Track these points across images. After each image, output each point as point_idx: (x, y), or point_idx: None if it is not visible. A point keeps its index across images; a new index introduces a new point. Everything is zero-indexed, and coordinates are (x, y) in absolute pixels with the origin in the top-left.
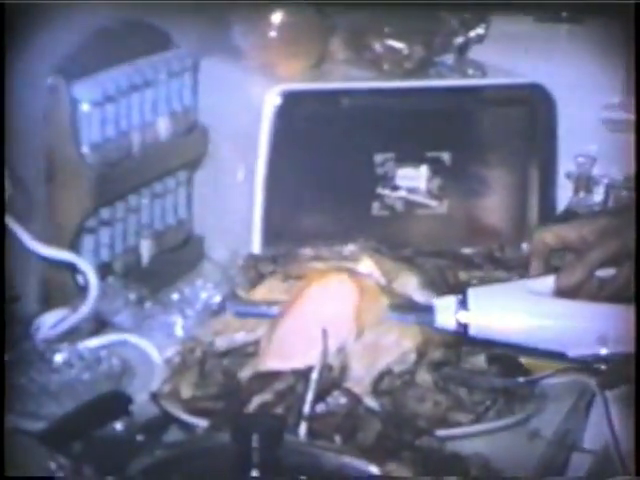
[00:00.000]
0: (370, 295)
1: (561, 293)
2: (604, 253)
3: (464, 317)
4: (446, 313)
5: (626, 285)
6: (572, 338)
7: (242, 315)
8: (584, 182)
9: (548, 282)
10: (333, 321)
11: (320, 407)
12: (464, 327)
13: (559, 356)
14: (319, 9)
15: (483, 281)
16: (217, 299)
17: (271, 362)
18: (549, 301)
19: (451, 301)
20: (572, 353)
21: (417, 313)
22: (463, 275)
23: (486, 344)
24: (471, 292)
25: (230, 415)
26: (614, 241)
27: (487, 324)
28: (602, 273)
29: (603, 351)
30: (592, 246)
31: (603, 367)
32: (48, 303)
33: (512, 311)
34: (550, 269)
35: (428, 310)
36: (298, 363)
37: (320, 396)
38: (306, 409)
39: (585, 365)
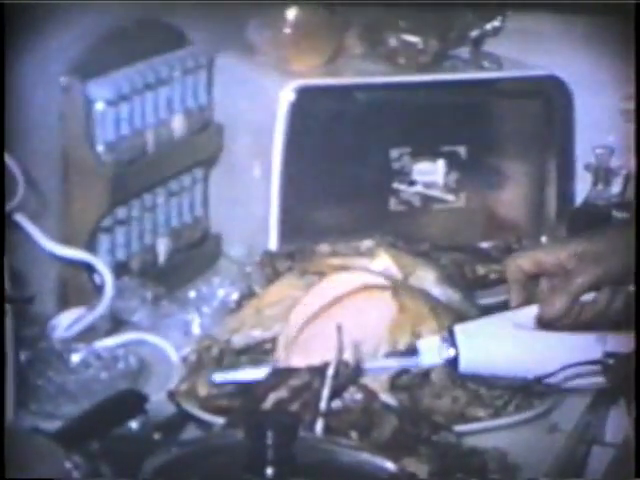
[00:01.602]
0: (409, 314)
1: (544, 324)
2: (586, 281)
3: (453, 353)
4: (431, 353)
5: (605, 309)
6: (557, 368)
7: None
8: (602, 174)
9: (531, 312)
10: (367, 333)
11: (336, 403)
12: (454, 362)
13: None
14: (333, 6)
15: (501, 274)
16: (234, 296)
17: (294, 360)
18: (533, 334)
19: (435, 340)
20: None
21: (403, 358)
22: (481, 269)
23: (475, 380)
24: (458, 329)
25: (246, 412)
26: (594, 268)
27: (475, 358)
28: (582, 297)
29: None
30: (572, 273)
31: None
32: (66, 303)
33: (498, 345)
34: (529, 296)
35: (411, 353)
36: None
37: (336, 392)
38: (322, 405)
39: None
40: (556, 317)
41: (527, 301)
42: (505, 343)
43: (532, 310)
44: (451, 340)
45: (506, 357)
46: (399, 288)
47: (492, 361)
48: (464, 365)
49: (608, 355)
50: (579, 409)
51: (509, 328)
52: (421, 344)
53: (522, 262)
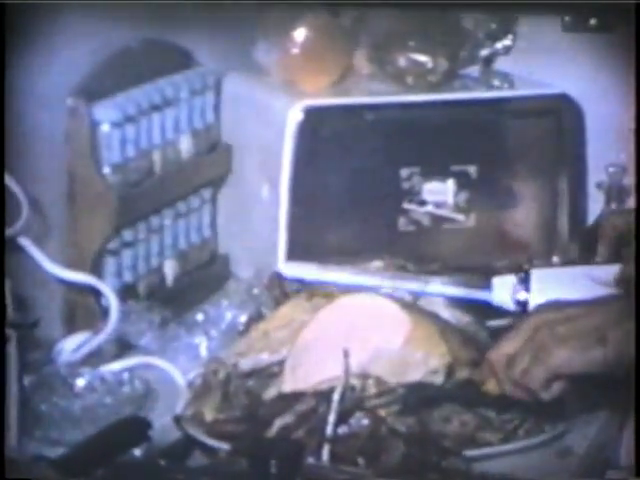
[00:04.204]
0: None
1: (624, 283)
2: None
3: (524, 296)
4: (504, 291)
5: None
6: None
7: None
8: (615, 192)
9: (611, 270)
10: (378, 354)
11: (342, 429)
12: (523, 305)
13: None
14: (341, 25)
15: None
16: (242, 319)
17: (301, 384)
18: (610, 291)
19: (510, 280)
20: None
21: (473, 289)
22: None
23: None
24: (534, 273)
25: (250, 439)
26: None
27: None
28: None
29: None
30: None
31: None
32: (72, 327)
33: (570, 295)
34: (617, 257)
35: (485, 287)
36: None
37: (342, 418)
38: (328, 431)
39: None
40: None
41: (613, 260)
42: (577, 294)
43: (613, 269)
44: (525, 283)
45: None
46: (409, 309)
47: None
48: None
49: None
50: (592, 432)
51: (586, 280)
52: (496, 281)
53: (616, 220)
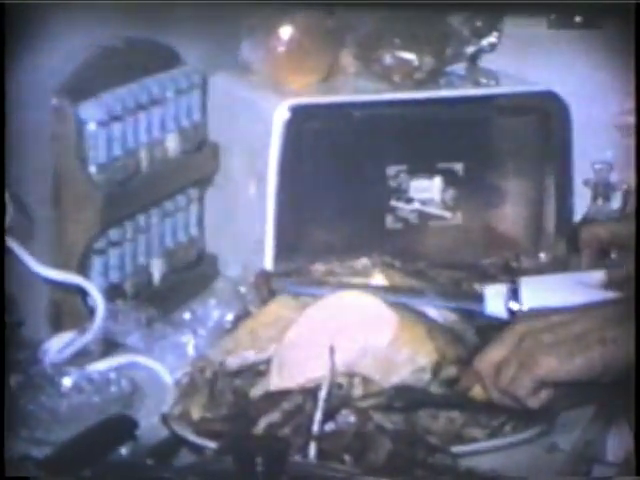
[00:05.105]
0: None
1: (612, 285)
2: None
3: (515, 306)
4: (497, 301)
5: None
6: None
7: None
8: (602, 189)
9: (598, 276)
10: (365, 352)
11: (329, 426)
12: (515, 315)
13: None
14: (327, 23)
15: None
16: (229, 317)
17: (287, 382)
18: (600, 294)
19: (502, 289)
20: None
21: (466, 301)
22: (479, 287)
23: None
24: (523, 281)
25: (236, 438)
26: None
27: None
28: None
29: None
30: None
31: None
32: (59, 326)
33: (560, 301)
34: (600, 264)
35: (477, 298)
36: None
37: (329, 415)
38: (315, 428)
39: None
40: (623, 279)
41: (596, 267)
42: (568, 301)
43: (599, 274)
44: (516, 292)
45: None
46: (396, 307)
47: None
48: None
49: None
50: (579, 427)
51: (575, 286)
52: (488, 291)
53: (598, 230)
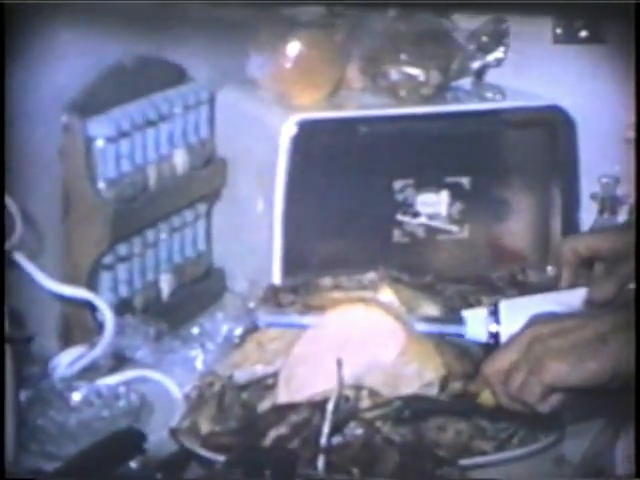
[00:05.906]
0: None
1: (593, 306)
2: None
3: (495, 328)
4: (477, 325)
5: None
6: None
7: (273, 326)
8: (608, 203)
9: (579, 294)
10: (373, 365)
11: (337, 439)
12: (495, 338)
13: None
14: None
15: None
16: (238, 332)
17: (295, 395)
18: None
19: (482, 313)
20: None
21: (446, 325)
22: (486, 300)
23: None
24: (502, 304)
25: (245, 450)
26: None
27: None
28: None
29: None
30: (624, 259)
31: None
32: (68, 341)
33: None
34: (580, 280)
35: (458, 322)
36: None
37: (336, 427)
38: (323, 441)
39: None
40: (604, 301)
41: (576, 284)
42: None
43: (579, 293)
44: (495, 315)
45: None
46: (404, 322)
47: None
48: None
49: None
50: (587, 439)
51: (555, 306)
52: (468, 315)
53: (577, 245)
